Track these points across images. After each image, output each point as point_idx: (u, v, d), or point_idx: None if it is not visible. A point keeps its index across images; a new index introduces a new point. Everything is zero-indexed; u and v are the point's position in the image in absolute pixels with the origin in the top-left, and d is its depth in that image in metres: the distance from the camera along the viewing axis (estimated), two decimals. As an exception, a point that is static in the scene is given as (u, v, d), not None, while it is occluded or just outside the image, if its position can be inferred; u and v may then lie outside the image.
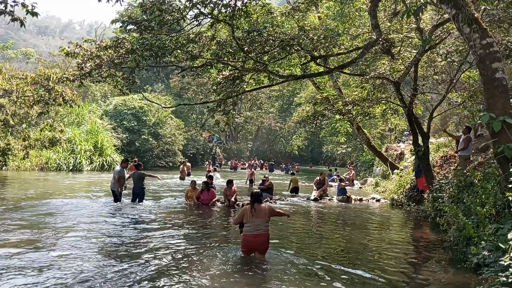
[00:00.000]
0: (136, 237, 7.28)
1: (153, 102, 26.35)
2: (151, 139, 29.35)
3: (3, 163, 21.39)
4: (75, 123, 26.92)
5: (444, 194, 8.43)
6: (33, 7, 7.57)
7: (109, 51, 10.20)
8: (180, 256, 6.05)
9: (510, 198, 5.15)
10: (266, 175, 16.15)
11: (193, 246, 6.74)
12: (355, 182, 21.96)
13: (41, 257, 5.65)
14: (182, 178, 20.25)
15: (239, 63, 10.91)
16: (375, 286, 5.09)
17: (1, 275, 4.87)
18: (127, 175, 11.60)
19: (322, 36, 10.53)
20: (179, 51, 10.17)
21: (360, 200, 14.42)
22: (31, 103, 17.84)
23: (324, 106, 14.50)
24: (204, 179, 13.69)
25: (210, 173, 17.66)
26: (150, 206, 11.00)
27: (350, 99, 12.96)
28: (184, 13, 9.50)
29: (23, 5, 7.52)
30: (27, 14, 7.66)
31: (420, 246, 7.70)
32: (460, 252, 6.34)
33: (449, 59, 9.92)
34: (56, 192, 13.08)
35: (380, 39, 9.64)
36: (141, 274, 5.13)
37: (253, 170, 21.85)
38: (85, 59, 10.28)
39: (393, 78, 10.78)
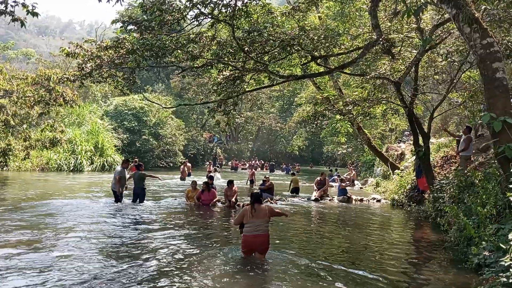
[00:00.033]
0: (136, 238, 7.27)
1: (153, 102, 26.40)
2: (151, 140, 29.37)
3: (4, 163, 21.36)
4: (76, 123, 26.93)
5: (445, 195, 8.42)
6: (34, 7, 7.57)
7: (110, 52, 10.19)
8: (181, 257, 6.05)
9: (511, 198, 5.15)
10: (267, 176, 16.14)
11: (193, 247, 6.74)
12: (355, 182, 21.94)
13: (41, 258, 5.65)
14: (182, 179, 20.24)
15: (240, 63, 10.91)
16: (376, 286, 5.08)
17: (1, 276, 4.86)
18: (127, 176, 11.60)
19: (322, 36, 10.54)
20: (179, 51, 10.16)
21: (361, 200, 14.41)
22: (32, 104, 17.89)
23: (324, 106, 14.51)
24: (205, 179, 13.69)
25: (211, 174, 17.68)
26: (151, 207, 11.00)
27: (350, 99, 12.96)
28: (184, 13, 9.49)
29: (24, 5, 7.52)
30: (27, 14, 7.66)
31: (421, 247, 7.70)
32: (461, 252, 6.33)
33: (449, 59, 9.90)
34: (57, 193, 13.08)
35: (381, 39, 9.63)
36: (142, 274, 5.13)
37: (253, 170, 21.84)
38: (86, 59, 10.28)
39: (394, 78, 10.78)
